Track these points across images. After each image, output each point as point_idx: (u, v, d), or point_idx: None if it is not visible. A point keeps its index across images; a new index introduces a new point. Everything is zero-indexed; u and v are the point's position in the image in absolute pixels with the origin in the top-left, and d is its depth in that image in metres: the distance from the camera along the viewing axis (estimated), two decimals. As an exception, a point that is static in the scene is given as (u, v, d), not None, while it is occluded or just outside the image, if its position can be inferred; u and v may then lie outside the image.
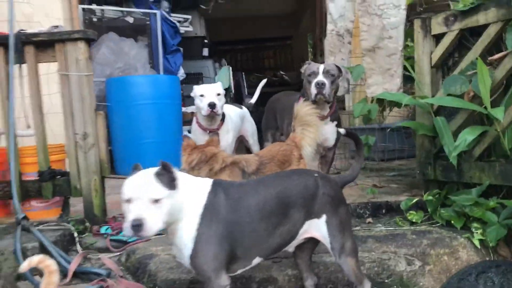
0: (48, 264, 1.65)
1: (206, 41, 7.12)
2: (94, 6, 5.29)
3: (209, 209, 1.65)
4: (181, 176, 1.64)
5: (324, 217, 1.77)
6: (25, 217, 2.46)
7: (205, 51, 7.03)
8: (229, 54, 11.83)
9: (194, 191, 1.67)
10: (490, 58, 2.43)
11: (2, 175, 2.89)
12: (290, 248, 1.87)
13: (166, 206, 1.55)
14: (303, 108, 2.62)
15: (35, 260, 1.63)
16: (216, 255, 1.63)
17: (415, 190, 3.08)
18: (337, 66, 2.93)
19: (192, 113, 4.17)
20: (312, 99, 2.84)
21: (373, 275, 2.17)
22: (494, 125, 2.39)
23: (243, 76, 7.76)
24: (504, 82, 2.43)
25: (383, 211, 2.89)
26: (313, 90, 2.82)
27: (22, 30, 2.81)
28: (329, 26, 3.74)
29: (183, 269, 2.15)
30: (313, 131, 2.57)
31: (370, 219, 2.81)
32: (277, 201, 1.72)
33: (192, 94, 3.14)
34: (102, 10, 5.36)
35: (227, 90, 5.63)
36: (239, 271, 1.77)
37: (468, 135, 2.35)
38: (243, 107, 3.60)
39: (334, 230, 1.77)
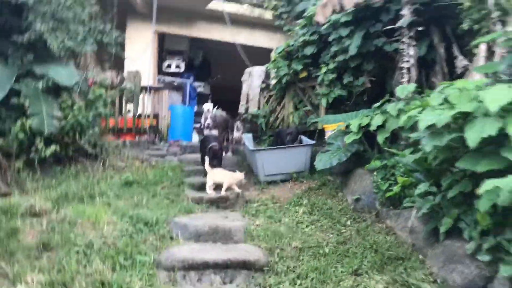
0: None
1: (210, 96, 14.19)
2: (160, 76, 12.39)
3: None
4: None
5: None
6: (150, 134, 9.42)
7: (209, 101, 14.14)
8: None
9: None
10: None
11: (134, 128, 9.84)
12: None
13: None
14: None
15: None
16: None
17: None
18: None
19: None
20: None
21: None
22: (285, 111, 9.22)
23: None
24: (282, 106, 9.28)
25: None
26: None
27: (150, 85, 9.88)
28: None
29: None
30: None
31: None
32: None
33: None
34: (164, 78, 12.47)
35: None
36: None
37: (262, 119, 9.19)
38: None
39: None
